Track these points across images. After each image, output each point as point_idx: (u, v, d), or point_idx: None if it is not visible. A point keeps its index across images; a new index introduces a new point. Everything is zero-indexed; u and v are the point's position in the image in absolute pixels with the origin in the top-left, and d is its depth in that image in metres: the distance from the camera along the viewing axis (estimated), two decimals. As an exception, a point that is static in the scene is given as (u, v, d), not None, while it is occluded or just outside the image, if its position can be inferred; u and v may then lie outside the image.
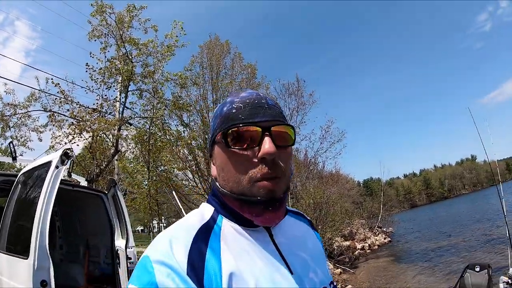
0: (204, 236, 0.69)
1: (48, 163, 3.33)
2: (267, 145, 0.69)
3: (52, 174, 3.17)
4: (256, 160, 0.70)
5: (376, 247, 22.80)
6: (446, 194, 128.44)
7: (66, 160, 3.36)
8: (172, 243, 0.64)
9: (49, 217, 2.96)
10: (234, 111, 0.74)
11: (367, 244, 22.61)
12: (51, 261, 2.88)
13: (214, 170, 0.81)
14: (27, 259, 2.85)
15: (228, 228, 0.74)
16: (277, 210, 0.73)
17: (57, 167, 3.24)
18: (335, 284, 0.85)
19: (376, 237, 25.43)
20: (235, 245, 0.71)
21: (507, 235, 5.52)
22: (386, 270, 14.04)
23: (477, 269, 5.25)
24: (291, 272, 0.73)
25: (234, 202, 0.74)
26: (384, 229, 29.75)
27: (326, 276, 0.84)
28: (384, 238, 25.72)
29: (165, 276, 0.59)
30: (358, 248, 21.05)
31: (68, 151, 3.45)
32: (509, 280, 5.08)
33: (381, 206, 31.96)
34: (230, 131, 0.72)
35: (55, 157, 3.32)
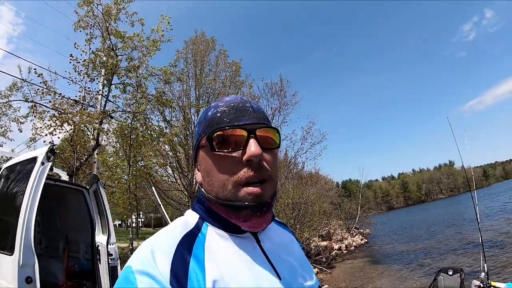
0: (188, 244, 0.68)
1: (34, 159, 3.30)
2: (253, 147, 0.69)
3: (38, 170, 3.14)
4: (242, 164, 0.70)
5: (353, 248, 23.08)
6: (423, 198, 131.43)
7: (52, 157, 3.33)
8: (154, 252, 0.63)
9: (34, 214, 2.95)
10: (218, 115, 0.73)
11: (344, 245, 22.83)
12: (36, 258, 2.87)
13: (199, 176, 0.80)
14: (11, 255, 2.83)
15: (213, 235, 0.73)
16: (264, 215, 0.71)
17: (42, 163, 3.22)
18: None
19: (353, 238, 25.73)
20: (220, 253, 0.70)
21: (480, 241, 5.70)
22: (362, 270, 14.28)
23: (450, 272, 5.41)
24: (279, 278, 0.73)
25: (220, 207, 0.72)
26: (361, 231, 30.08)
27: (313, 281, 0.84)
28: (361, 239, 26.04)
29: (147, 286, 0.58)
30: (335, 249, 21.26)
31: (54, 148, 3.43)
32: (481, 284, 5.24)
33: (359, 207, 32.30)
34: (215, 134, 0.71)
35: (40, 153, 3.29)
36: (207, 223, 0.76)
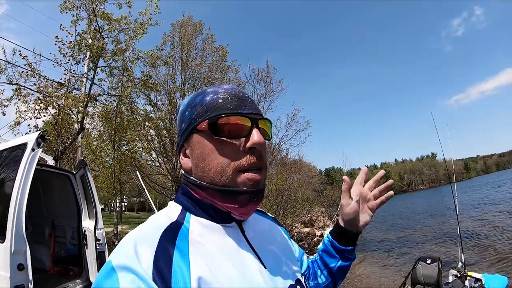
0: (171, 237, 0.66)
1: (23, 145, 3.25)
2: (256, 136, 0.70)
3: (28, 157, 3.11)
4: (243, 151, 0.70)
5: (334, 234, 23.40)
6: (405, 188, 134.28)
7: (42, 143, 3.29)
8: (137, 246, 0.61)
9: (25, 201, 2.93)
10: (220, 101, 0.73)
11: (326, 232, 23.12)
12: (27, 245, 2.87)
13: (187, 162, 0.77)
14: (3, 242, 2.82)
15: (197, 226, 0.72)
16: (259, 201, 0.73)
17: (33, 149, 3.18)
18: (304, 276, 0.87)
19: (334, 225, 26.09)
20: (205, 244, 0.69)
21: (458, 233, 5.87)
22: (343, 257, 14.56)
23: (429, 261, 5.57)
24: (264, 267, 0.74)
25: (215, 194, 0.72)
26: (343, 218, 30.51)
27: (297, 267, 0.86)
28: (343, 227, 26.41)
29: (129, 282, 0.55)
30: (317, 235, 21.48)
31: (44, 134, 3.39)
32: (458, 274, 5.44)
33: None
34: (220, 120, 0.70)
35: (30, 139, 3.24)
36: (191, 214, 0.74)
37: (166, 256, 0.61)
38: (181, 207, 0.76)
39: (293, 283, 0.79)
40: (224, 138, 0.70)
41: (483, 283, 5.43)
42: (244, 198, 0.70)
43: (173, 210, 0.76)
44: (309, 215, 23.57)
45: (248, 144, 0.70)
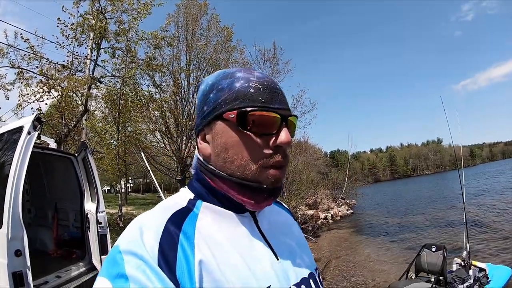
0: (178, 222, 0.65)
1: (20, 129, 3.20)
2: (285, 135, 0.68)
3: (24, 140, 3.06)
4: (270, 148, 0.68)
5: (339, 218, 23.48)
6: (410, 173, 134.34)
7: (38, 126, 3.24)
8: (142, 231, 0.61)
9: (22, 185, 2.89)
10: (252, 90, 0.69)
11: (330, 214, 23.13)
12: (25, 230, 2.85)
13: (206, 148, 0.74)
14: (0, 228, 2.81)
15: (207, 213, 0.70)
16: (275, 199, 0.73)
17: (29, 133, 3.13)
18: (318, 270, 0.85)
19: (339, 208, 26.11)
20: (213, 230, 0.68)
21: (464, 220, 5.81)
22: (347, 241, 14.63)
23: (433, 249, 5.55)
24: (277, 258, 0.72)
25: (234, 186, 0.70)
26: (347, 201, 30.58)
27: (311, 262, 0.83)
28: (347, 210, 26.47)
29: (135, 268, 0.55)
30: (321, 218, 21.60)
31: (40, 116, 3.33)
32: (462, 262, 5.41)
33: (346, 178, 32.72)
34: (250, 113, 0.67)
35: (26, 122, 3.19)
36: (203, 201, 0.72)
37: (172, 241, 0.61)
38: (193, 193, 0.75)
39: (306, 276, 0.77)
40: (251, 133, 0.68)
41: (487, 273, 5.42)
42: (263, 195, 0.70)
43: (184, 195, 0.75)
44: (313, 198, 23.61)
45: (277, 143, 0.68)
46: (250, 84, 0.70)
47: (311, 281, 0.77)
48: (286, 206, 1.00)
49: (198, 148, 0.77)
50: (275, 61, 21.02)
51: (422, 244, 5.92)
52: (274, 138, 0.68)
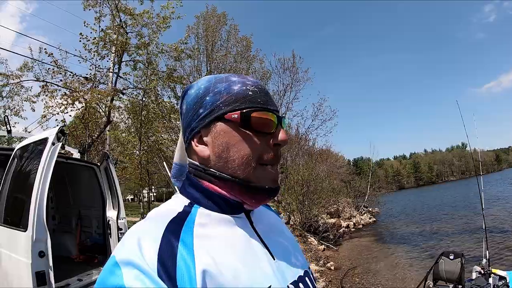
0: (176, 230, 0.64)
1: (45, 140, 3.43)
2: (282, 134, 0.73)
3: (49, 150, 3.27)
4: (268, 146, 0.72)
5: (361, 226, 23.02)
6: (434, 179, 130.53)
7: (62, 137, 3.46)
8: (140, 240, 0.59)
9: (46, 192, 3.10)
10: (250, 93, 0.73)
11: (352, 223, 22.78)
12: (48, 233, 3.05)
13: (204, 151, 0.74)
14: (25, 231, 3.00)
15: (203, 218, 0.70)
16: (273, 198, 0.76)
17: (53, 143, 3.35)
18: (311, 269, 0.87)
19: (361, 217, 25.66)
20: (211, 235, 0.67)
21: (483, 228, 5.68)
22: (368, 249, 14.42)
23: (451, 257, 5.42)
24: (273, 258, 0.74)
25: (235, 187, 0.72)
26: (370, 209, 30.04)
27: (304, 261, 0.85)
28: (369, 218, 25.94)
29: (134, 278, 0.54)
30: (343, 226, 21.30)
31: (64, 128, 3.56)
32: (482, 270, 5.27)
33: (369, 186, 32.26)
34: (253, 113, 0.71)
35: (51, 134, 3.41)
36: (198, 206, 0.73)
37: (171, 250, 0.60)
38: (187, 199, 0.75)
39: (302, 274, 0.79)
40: (251, 132, 0.71)
41: (507, 281, 5.26)
42: (264, 195, 0.73)
43: (178, 202, 0.75)
44: (335, 206, 23.38)
45: (275, 141, 0.73)
46: (248, 87, 0.73)
47: (306, 279, 0.79)
48: (273, 208, 1.02)
49: (192, 152, 0.77)
50: (294, 69, 21.13)
51: (440, 252, 5.82)
52: (272, 137, 0.73)
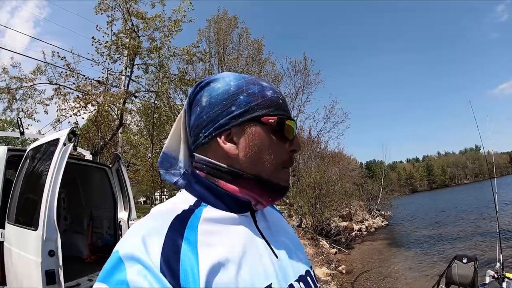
0: (180, 227, 0.64)
1: (56, 141, 3.48)
2: (299, 141, 0.78)
3: (60, 151, 3.31)
4: (287, 152, 0.76)
5: (373, 229, 22.83)
6: (448, 182, 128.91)
7: (73, 138, 3.50)
8: (144, 235, 0.59)
9: (57, 192, 3.14)
10: (280, 101, 0.76)
11: (364, 226, 22.56)
12: (58, 233, 3.09)
13: (233, 149, 0.73)
14: (36, 230, 3.04)
15: (208, 216, 0.70)
16: (284, 196, 0.81)
17: (64, 144, 3.38)
18: (312, 268, 0.87)
19: (374, 220, 25.41)
20: (216, 233, 0.67)
21: (497, 231, 5.58)
22: (380, 253, 14.28)
23: (464, 260, 5.34)
24: (276, 257, 0.74)
25: (255, 186, 0.73)
26: (383, 212, 29.76)
27: (306, 260, 0.86)
28: (382, 221, 25.71)
29: (136, 273, 0.54)
30: (355, 230, 21.09)
31: (75, 129, 3.60)
32: (495, 275, 5.17)
33: (381, 189, 31.96)
34: (287, 120, 0.74)
35: (62, 135, 3.46)
36: (204, 203, 0.72)
37: (174, 247, 0.60)
38: (193, 196, 0.74)
39: (303, 274, 0.79)
40: (281, 138, 0.75)
41: (521, 285, 5.16)
42: (280, 194, 0.77)
43: (183, 199, 0.74)
44: (347, 209, 23.18)
45: (294, 148, 0.77)
46: (278, 95, 0.76)
47: (308, 278, 0.80)
48: (276, 207, 1.03)
49: (213, 148, 0.75)
50: (306, 72, 21.11)
51: (453, 256, 5.73)
52: (291, 144, 0.77)
